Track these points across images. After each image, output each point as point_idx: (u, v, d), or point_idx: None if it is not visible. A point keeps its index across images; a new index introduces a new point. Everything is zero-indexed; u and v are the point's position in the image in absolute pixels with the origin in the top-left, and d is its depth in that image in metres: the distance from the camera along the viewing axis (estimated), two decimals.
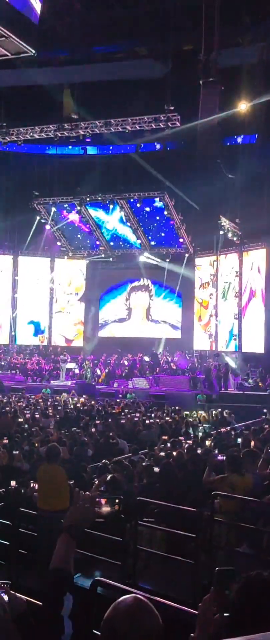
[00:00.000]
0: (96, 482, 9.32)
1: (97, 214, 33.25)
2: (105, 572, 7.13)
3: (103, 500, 2.90)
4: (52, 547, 2.66)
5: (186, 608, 3.97)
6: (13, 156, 31.52)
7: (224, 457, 9.02)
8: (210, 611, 2.36)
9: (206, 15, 23.09)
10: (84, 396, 25.62)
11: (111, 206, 31.95)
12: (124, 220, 32.51)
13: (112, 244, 34.63)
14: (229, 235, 29.58)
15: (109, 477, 9.13)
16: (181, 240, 32.30)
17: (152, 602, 2.02)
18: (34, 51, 21.19)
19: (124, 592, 2.13)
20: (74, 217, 33.47)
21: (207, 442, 13.66)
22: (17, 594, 3.15)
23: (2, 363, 33.20)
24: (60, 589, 2.52)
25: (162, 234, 32.95)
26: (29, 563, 8.04)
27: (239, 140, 28.69)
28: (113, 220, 33.33)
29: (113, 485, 8.87)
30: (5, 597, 2.90)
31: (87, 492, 2.81)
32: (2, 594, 2.90)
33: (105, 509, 2.88)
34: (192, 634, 2.39)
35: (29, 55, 21.49)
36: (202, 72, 23.66)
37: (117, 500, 2.96)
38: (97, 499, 2.83)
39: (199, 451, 11.79)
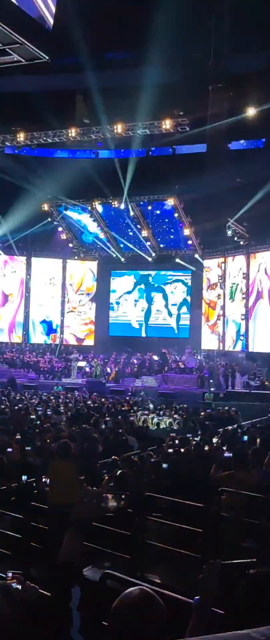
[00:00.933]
0: (106, 478, 9.80)
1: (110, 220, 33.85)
2: (114, 565, 7.11)
3: (110, 496, 2.86)
4: (62, 540, 2.69)
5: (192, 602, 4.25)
6: (26, 159, 32.05)
7: (231, 454, 9.21)
8: (213, 575, 2.55)
9: (215, 22, 23.61)
10: (94, 393, 26.16)
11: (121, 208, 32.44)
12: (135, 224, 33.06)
13: (122, 245, 35.13)
14: (237, 238, 30.04)
15: (118, 473, 9.27)
16: (190, 242, 32.74)
17: (160, 595, 2.03)
18: (47, 57, 21.77)
19: (132, 585, 2.13)
20: (86, 219, 34.02)
21: (214, 440, 13.79)
22: (29, 582, 3.30)
23: (17, 361, 33.85)
24: (68, 582, 2.50)
25: (171, 236, 33.41)
26: (40, 556, 7.97)
27: (246, 144, 29.05)
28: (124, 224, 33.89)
29: (122, 480, 9.01)
30: (19, 587, 2.97)
31: (95, 488, 2.84)
32: (14, 584, 2.96)
33: (112, 504, 2.83)
34: (196, 597, 2.57)
35: (43, 62, 22.11)
36: (211, 77, 24.18)
37: (123, 496, 2.91)
38: (104, 495, 2.83)
39: (206, 448, 12.00)
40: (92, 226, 34.23)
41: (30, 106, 28.21)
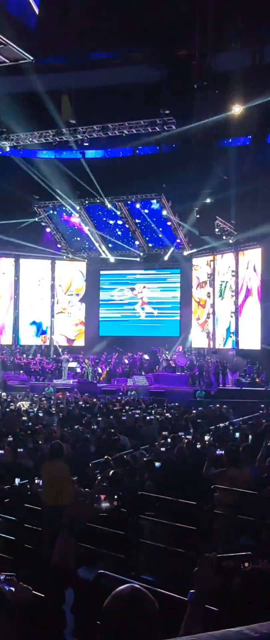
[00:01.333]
0: (99, 478, 9.84)
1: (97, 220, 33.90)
2: (108, 565, 7.01)
3: (103, 496, 2.87)
4: (55, 541, 2.70)
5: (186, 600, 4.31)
6: (13, 161, 31.98)
7: (223, 452, 9.27)
8: (208, 568, 2.57)
9: (200, 20, 23.64)
10: (86, 394, 26.15)
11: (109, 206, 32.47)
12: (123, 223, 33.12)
13: (110, 245, 35.14)
14: (225, 235, 30.14)
15: (111, 473, 9.27)
16: (178, 240, 32.81)
17: (154, 594, 2.02)
18: (31, 58, 21.74)
19: (125, 584, 2.12)
20: (74, 219, 34.01)
21: (206, 437, 13.70)
22: (23, 584, 3.32)
23: (7, 363, 33.76)
24: (61, 584, 2.51)
25: (160, 235, 33.46)
26: (33, 558, 8.03)
27: (233, 142, 29.16)
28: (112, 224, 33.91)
29: (115, 480, 9.04)
30: (12, 589, 2.96)
31: (87, 489, 2.92)
32: (7, 587, 2.96)
33: (105, 504, 2.83)
34: (192, 590, 2.58)
35: (27, 62, 22.05)
36: (197, 76, 24.20)
37: (116, 497, 2.93)
38: (97, 495, 2.83)
39: (198, 446, 12.05)
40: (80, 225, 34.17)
41: (16, 107, 28.14)
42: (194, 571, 2.61)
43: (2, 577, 3.09)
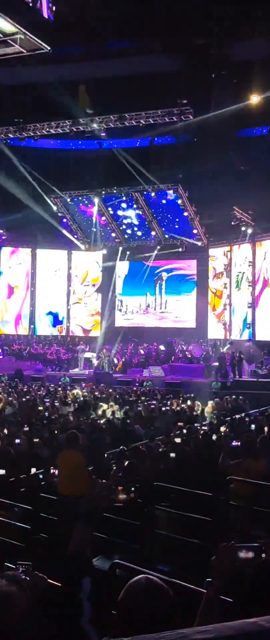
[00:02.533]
0: (114, 468, 9.86)
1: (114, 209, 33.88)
2: (123, 555, 7.06)
3: (119, 488, 3.00)
4: (72, 531, 2.74)
5: (203, 590, 4.29)
6: (30, 151, 32.09)
7: (239, 443, 9.26)
8: (226, 557, 2.58)
9: (218, 9, 23.49)
10: (102, 385, 26.23)
11: (125, 198, 32.44)
12: (140, 213, 33.08)
13: (126, 236, 35.13)
14: (242, 226, 29.97)
15: (126, 463, 9.29)
16: (195, 231, 32.69)
17: (169, 585, 2.05)
18: (49, 48, 21.74)
19: (140, 574, 2.15)
20: (91, 210, 34.05)
21: (222, 429, 13.71)
22: (42, 576, 3.33)
23: (24, 353, 33.98)
24: (78, 573, 2.52)
25: (176, 226, 33.35)
26: (49, 547, 7.90)
27: (251, 132, 28.97)
28: (129, 215, 33.87)
29: (130, 470, 9.05)
30: (26, 577, 2.94)
31: (104, 480, 2.90)
32: (22, 575, 2.95)
33: (121, 496, 2.95)
34: (209, 579, 2.60)
35: (45, 52, 22.08)
36: (214, 65, 24.08)
37: (132, 488, 3.06)
38: (113, 487, 2.91)
39: (214, 437, 12.06)
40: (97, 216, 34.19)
41: (33, 97, 28.24)
42: (212, 559, 2.62)
43: (18, 566, 3.12)
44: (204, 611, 2.50)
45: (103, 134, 28.64)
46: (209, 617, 2.43)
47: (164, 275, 35.28)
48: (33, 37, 20.58)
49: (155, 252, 34.11)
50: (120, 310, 36.47)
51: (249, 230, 30.16)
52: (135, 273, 35.81)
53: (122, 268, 36.40)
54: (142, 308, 35.94)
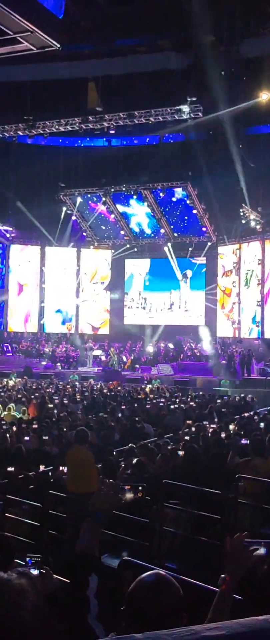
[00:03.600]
0: (122, 465, 9.87)
1: (123, 208, 33.84)
2: (132, 553, 7.23)
3: (127, 487, 2.91)
4: (80, 528, 2.72)
5: (212, 587, 4.28)
6: (39, 149, 32.16)
7: (247, 441, 9.25)
8: (240, 550, 2.56)
9: (227, 5, 23.40)
10: (111, 382, 26.28)
11: (135, 197, 32.41)
12: (149, 212, 33.06)
13: (135, 234, 35.12)
14: (252, 223, 29.88)
15: (135, 461, 9.36)
16: (204, 229, 32.62)
17: (178, 581, 2.05)
18: (58, 45, 21.71)
19: (149, 571, 2.15)
20: (100, 207, 34.08)
21: (231, 427, 13.83)
22: (51, 573, 3.40)
23: (33, 351, 34.08)
24: (85, 572, 2.52)
25: (185, 224, 33.30)
26: (58, 543, 8.16)
27: (261, 129, 28.85)
28: (138, 212, 33.84)
29: (139, 468, 9.16)
30: (35, 572, 3.08)
31: (112, 480, 2.86)
32: (32, 570, 3.04)
33: (130, 495, 2.87)
34: (223, 575, 2.56)
35: (54, 50, 22.05)
36: (224, 63, 24.00)
37: (140, 488, 2.95)
38: (121, 486, 2.88)
39: (222, 435, 12.03)
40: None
41: (42, 94, 28.27)
42: (225, 554, 2.60)
43: (29, 562, 3.13)
44: (217, 607, 2.49)
45: (112, 132, 28.59)
46: (222, 613, 2.42)
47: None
48: (42, 34, 20.57)
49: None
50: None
51: (258, 228, 30.07)
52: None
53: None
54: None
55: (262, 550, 2.49)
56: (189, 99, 25.63)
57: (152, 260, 36.05)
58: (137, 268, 36.56)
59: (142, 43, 27.74)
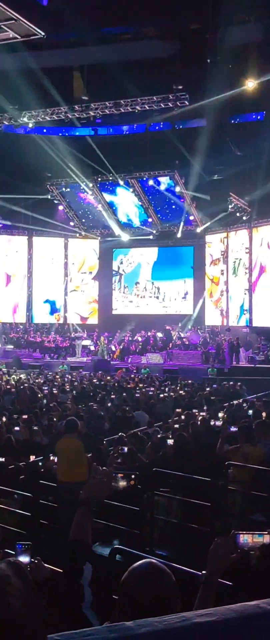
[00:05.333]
0: (112, 452, 9.93)
1: (110, 197, 33.75)
2: (123, 541, 7.37)
3: (119, 475, 2.91)
4: (72, 517, 2.71)
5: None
6: (25, 138, 31.95)
7: (237, 429, 9.16)
8: (224, 550, 2.56)
9: None
10: (100, 372, 26.30)
11: (122, 183, 32.34)
12: (137, 201, 33.02)
13: (123, 223, 35.06)
14: (239, 212, 29.96)
15: (126, 449, 9.46)
16: (191, 217, 32.65)
17: (169, 568, 2.05)
18: (43, 33, 21.57)
19: (141, 559, 2.14)
20: (87, 197, 33.96)
21: (220, 414, 13.84)
22: (42, 562, 3.44)
23: (22, 341, 33.99)
24: (79, 560, 2.52)
25: (173, 212, 33.31)
26: (49, 533, 8.28)
27: (247, 118, 28.86)
28: (125, 201, 33.78)
29: (131, 457, 9.26)
30: (26, 559, 3.10)
31: (104, 467, 2.87)
32: (22, 556, 3.08)
33: (122, 483, 2.89)
34: (204, 571, 2.57)
35: (39, 38, 21.90)
36: (210, 50, 23.92)
37: (133, 476, 3.00)
38: (114, 474, 2.86)
39: (212, 423, 12.10)
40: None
41: (27, 84, 28.02)
42: (210, 550, 2.60)
43: (19, 547, 3.14)
44: (200, 600, 2.49)
45: (99, 121, 28.47)
46: (204, 607, 2.43)
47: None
48: (27, 22, 20.43)
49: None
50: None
51: (245, 216, 30.16)
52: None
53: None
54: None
55: (258, 540, 2.50)
56: (175, 87, 25.59)
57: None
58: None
59: (128, 31, 27.59)
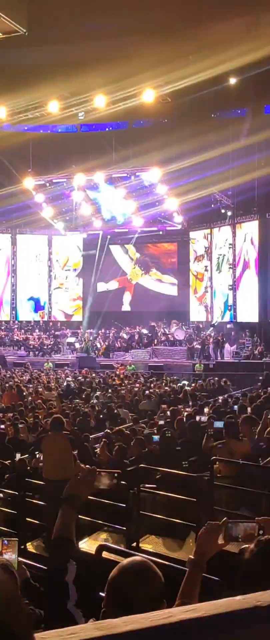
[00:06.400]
0: (103, 440, 9.96)
1: (94, 194, 33.67)
2: (109, 538, 7.44)
3: (103, 473, 2.94)
4: (57, 514, 2.72)
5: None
6: (7, 135, 31.73)
7: (222, 424, 9.27)
8: (215, 535, 2.55)
9: None
10: (85, 369, 26.27)
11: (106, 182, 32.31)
12: (121, 198, 32.95)
13: (107, 219, 34.99)
14: (222, 208, 30.09)
15: (117, 446, 9.50)
16: (175, 213, 32.67)
17: (155, 564, 2.06)
18: (25, 30, 21.47)
19: (128, 556, 2.15)
20: (70, 193, 33.82)
21: (206, 410, 13.89)
22: (20, 562, 3.33)
23: (6, 339, 33.82)
24: (63, 557, 2.52)
25: (156, 209, 33.28)
26: (36, 531, 8.29)
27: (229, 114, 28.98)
28: (109, 198, 33.70)
29: (120, 453, 9.28)
30: (13, 556, 3.07)
31: (88, 465, 2.89)
32: (9, 554, 3.06)
33: (105, 481, 2.91)
34: (191, 556, 2.57)
35: (20, 35, 21.77)
36: (192, 46, 23.92)
37: (116, 475, 2.99)
38: (97, 472, 2.89)
39: (197, 419, 12.07)
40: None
41: (10, 80, 27.83)
42: (200, 532, 2.61)
43: (5, 542, 3.13)
44: (185, 589, 2.49)
45: (81, 117, 28.35)
46: (189, 595, 2.43)
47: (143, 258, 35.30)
48: (8, 19, 20.32)
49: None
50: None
51: (229, 212, 30.29)
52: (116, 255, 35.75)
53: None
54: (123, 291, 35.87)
55: (248, 530, 2.52)
56: (157, 83, 25.58)
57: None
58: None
59: (110, 27, 27.46)
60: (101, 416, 14.49)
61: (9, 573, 1.29)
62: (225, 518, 2.60)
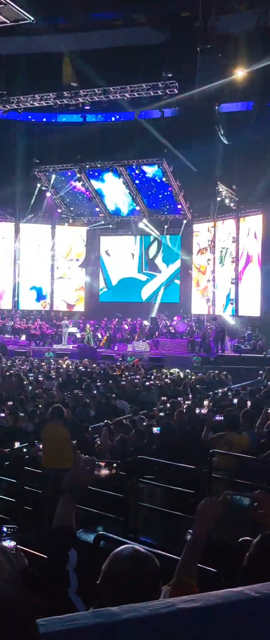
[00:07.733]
0: (105, 429, 9.98)
1: (98, 184, 33.62)
2: (108, 528, 7.40)
3: (102, 463, 2.96)
4: (56, 504, 2.75)
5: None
6: (13, 124, 31.70)
7: (221, 417, 9.31)
8: (214, 510, 2.57)
9: None
10: (86, 359, 26.26)
11: (110, 173, 32.27)
12: (124, 187, 32.91)
13: (111, 210, 34.95)
14: (226, 201, 30.01)
15: (119, 437, 9.57)
16: (179, 206, 32.63)
17: (153, 554, 2.06)
18: (32, 18, 21.41)
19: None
20: (74, 184, 33.79)
21: (205, 403, 13.88)
22: (20, 551, 3.37)
23: (7, 328, 33.81)
24: (64, 546, 2.54)
25: (161, 201, 33.26)
26: (34, 519, 8.30)
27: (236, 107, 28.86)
28: (113, 189, 33.66)
29: (122, 443, 9.36)
30: (12, 543, 3.07)
31: (87, 455, 2.92)
32: (8, 541, 3.05)
33: (104, 471, 2.92)
34: (190, 530, 2.56)
35: (28, 23, 21.73)
36: (200, 39, 23.83)
37: (114, 465, 3.00)
38: (97, 462, 2.91)
39: (197, 411, 12.18)
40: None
41: (16, 69, 27.81)
42: (198, 507, 2.61)
43: (4, 530, 3.14)
44: (183, 564, 2.49)
45: (87, 108, 28.29)
46: (188, 570, 2.44)
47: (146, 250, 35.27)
48: (16, 7, 20.26)
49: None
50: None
51: (233, 206, 30.22)
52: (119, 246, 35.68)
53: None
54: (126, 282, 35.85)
55: (246, 502, 2.51)
56: (164, 75, 25.52)
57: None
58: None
59: (118, 17, 27.43)
60: (101, 407, 14.51)
61: (7, 556, 1.29)
62: (225, 491, 2.60)
